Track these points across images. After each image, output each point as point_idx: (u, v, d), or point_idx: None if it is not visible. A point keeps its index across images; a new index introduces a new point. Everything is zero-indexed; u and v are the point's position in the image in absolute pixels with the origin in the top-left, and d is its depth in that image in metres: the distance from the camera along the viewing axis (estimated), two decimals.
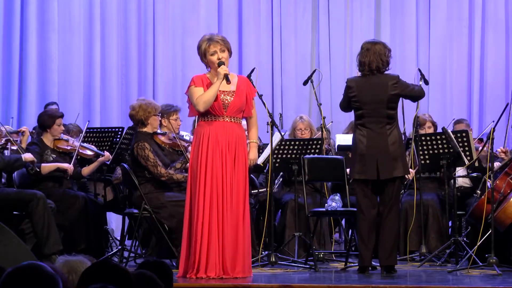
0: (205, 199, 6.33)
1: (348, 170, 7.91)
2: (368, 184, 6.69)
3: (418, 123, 7.80)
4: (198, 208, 6.34)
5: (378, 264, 6.84)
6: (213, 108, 6.40)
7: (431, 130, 8.30)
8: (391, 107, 6.71)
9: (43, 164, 7.62)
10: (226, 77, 6.35)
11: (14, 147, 7.60)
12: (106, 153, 8.05)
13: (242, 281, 6.20)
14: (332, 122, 9.50)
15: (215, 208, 6.32)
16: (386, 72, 6.75)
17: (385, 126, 6.67)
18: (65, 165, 7.70)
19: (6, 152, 7.56)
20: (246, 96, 6.51)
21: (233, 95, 6.45)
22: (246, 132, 6.71)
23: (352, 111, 6.91)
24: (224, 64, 6.38)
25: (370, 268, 6.73)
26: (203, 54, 6.49)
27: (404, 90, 6.72)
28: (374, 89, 6.68)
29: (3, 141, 7.57)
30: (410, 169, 7.95)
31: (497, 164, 7.62)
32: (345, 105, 6.89)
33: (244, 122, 6.72)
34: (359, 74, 6.84)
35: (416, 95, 6.82)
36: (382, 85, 6.69)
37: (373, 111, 6.66)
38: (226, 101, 6.43)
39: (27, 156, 7.34)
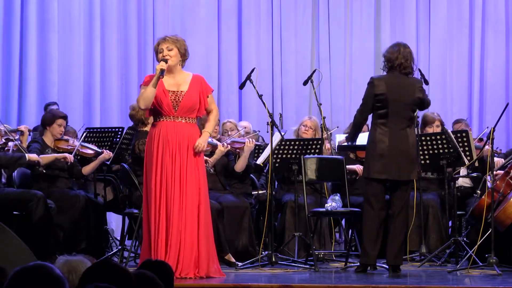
0: (156, 199, 6.33)
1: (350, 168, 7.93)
2: (384, 184, 6.74)
3: (417, 123, 7.80)
4: (149, 209, 6.36)
5: (380, 264, 6.85)
6: (163, 108, 6.40)
7: (439, 129, 8.29)
8: (414, 110, 6.81)
9: (41, 156, 7.61)
10: (161, 73, 6.32)
11: (15, 148, 7.59)
12: (107, 152, 8.03)
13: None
14: (338, 127, 9.47)
15: (164, 210, 6.32)
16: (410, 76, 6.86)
17: (406, 128, 6.73)
18: (62, 154, 7.69)
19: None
20: (199, 95, 6.48)
21: (183, 95, 6.42)
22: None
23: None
24: (167, 62, 6.37)
25: (369, 268, 6.74)
26: (156, 53, 6.53)
27: (424, 96, 6.84)
28: (403, 90, 6.75)
29: (3, 140, 7.57)
30: None
31: (497, 160, 7.64)
32: (368, 106, 6.78)
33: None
34: (383, 72, 6.86)
35: (426, 104, 6.92)
36: (410, 87, 6.78)
37: (398, 111, 6.72)
38: (176, 101, 6.41)
39: (32, 156, 7.32)
